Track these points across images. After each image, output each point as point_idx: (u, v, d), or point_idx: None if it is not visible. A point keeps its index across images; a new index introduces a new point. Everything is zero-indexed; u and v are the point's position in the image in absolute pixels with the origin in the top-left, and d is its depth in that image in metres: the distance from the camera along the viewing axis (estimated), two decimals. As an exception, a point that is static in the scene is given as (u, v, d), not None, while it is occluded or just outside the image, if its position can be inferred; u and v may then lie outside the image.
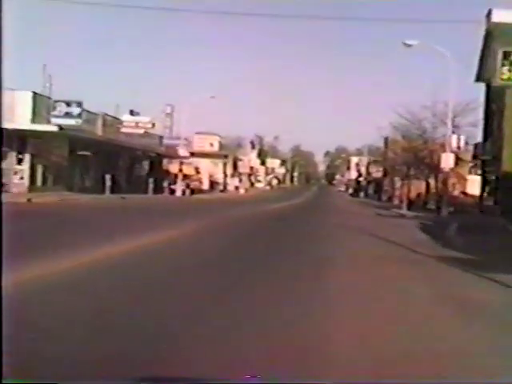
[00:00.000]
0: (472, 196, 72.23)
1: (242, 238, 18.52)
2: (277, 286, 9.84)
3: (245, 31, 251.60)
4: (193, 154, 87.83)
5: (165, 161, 69.31)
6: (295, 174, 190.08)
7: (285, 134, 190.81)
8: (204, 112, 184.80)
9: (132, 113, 54.72)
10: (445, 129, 59.77)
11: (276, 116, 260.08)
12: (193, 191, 71.38)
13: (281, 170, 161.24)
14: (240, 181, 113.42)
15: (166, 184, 59.13)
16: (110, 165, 49.97)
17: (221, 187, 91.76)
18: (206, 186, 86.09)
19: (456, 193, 71.91)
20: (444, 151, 60.68)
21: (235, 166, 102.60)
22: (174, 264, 12.12)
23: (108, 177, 44.88)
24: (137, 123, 53.08)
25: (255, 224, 24.84)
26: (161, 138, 64.47)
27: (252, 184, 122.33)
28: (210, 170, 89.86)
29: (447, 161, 41.68)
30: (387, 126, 71.94)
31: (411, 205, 60.32)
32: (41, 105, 39.96)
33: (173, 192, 61.74)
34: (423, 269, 13.36)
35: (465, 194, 77.64)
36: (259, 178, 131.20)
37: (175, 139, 64.28)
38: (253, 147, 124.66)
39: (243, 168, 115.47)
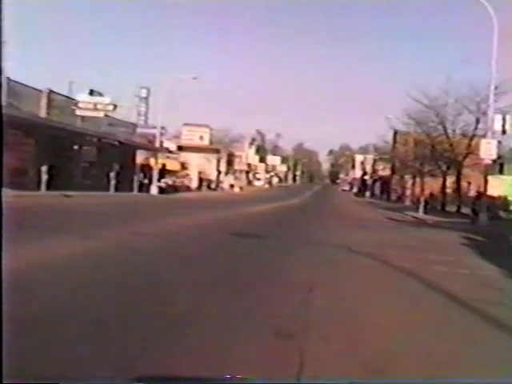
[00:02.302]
0: (492, 197, 62.23)
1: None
2: None
3: (242, 22, 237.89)
4: (180, 148, 77.08)
5: (141, 154, 58.06)
6: (298, 172, 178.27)
7: (287, 132, 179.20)
8: (195, 104, 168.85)
9: (92, 93, 43.62)
10: (469, 116, 48.64)
11: (277, 113, 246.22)
12: (176, 189, 60.74)
13: (282, 168, 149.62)
14: (236, 178, 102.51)
15: (136, 179, 47.95)
16: (59, 155, 38.85)
17: (213, 185, 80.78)
18: (195, 183, 75.03)
19: (472, 193, 60.78)
20: (470, 142, 49.56)
21: (229, 162, 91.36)
22: None
23: (44, 169, 33.82)
24: (95, 104, 41.94)
25: (201, 245, 13.60)
26: (134, 126, 53.43)
27: (250, 182, 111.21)
28: (201, 165, 78.61)
29: (489, 150, 30.38)
30: (396, 118, 60.72)
31: (426, 206, 48.79)
32: None
33: (148, 189, 50.86)
34: None
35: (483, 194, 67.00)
36: (258, 175, 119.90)
37: (151, 128, 53.11)
38: (251, 143, 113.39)
39: (240, 164, 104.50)
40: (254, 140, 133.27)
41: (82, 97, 42.22)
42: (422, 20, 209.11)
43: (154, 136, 52.05)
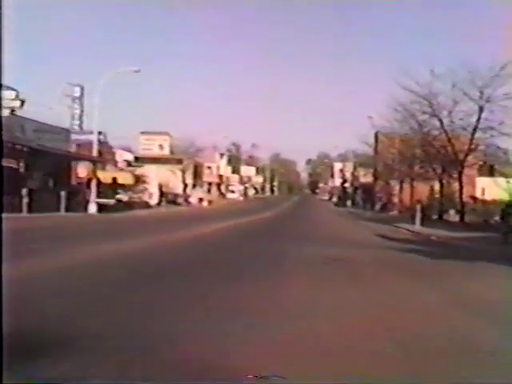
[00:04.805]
0: (485, 201, 53.74)
1: None
2: None
3: (218, 24, 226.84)
4: (137, 159, 67.04)
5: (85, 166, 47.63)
6: (275, 183, 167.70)
7: (263, 142, 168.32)
8: (159, 112, 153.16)
9: (-2, 88, 33.24)
10: (470, 105, 39.06)
11: (253, 123, 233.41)
12: (129, 205, 50.50)
13: (258, 179, 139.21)
14: (208, 191, 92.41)
15: (64, 196, 37.50)
16: None
17: (180, 199, 70.56)
18: (156, 198, 64.60)
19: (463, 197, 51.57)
20: (472, 136, 39.94)
21: (196, 174, 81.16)
22: None
23: None
24: (-4, 101, 31.52)
25: None
26: (68, 132, 43.23)
27: (223, 195, 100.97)
28: (164, 178, 68.29)
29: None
30: (380, 116, 51.18)
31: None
32: None
33: (85, 208, 40.62)
34: None
35: (474, 198, 58.46)
36: (232, 187, 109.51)
37: (88, 134, 42.90)
38: (222, 154, 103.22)
39: (210, 176, 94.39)
40: (229, 151, 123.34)
41: (-23, 92, 31.82)
42: (401, 14, 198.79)
43: (88, 142, 41.89)
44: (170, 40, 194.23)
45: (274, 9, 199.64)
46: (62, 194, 37.69)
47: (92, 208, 41.11)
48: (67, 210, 37.51)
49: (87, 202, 42.11)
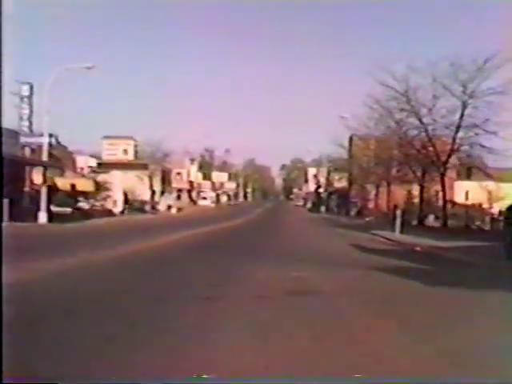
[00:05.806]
0: (466, 206, 51.46)
1: None
2: None
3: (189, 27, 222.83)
4: (100, 165, 63.09)
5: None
6: (249, 189, 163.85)
7: (237, 148, 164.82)
8: (121, 115, 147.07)
9: None
10: (452, 101, 35.86)
11: (227, 128, 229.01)
12: (87, 214, 46.43)
13: (231, 185, 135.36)
14: (179, 198, 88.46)
15: (6, 204, 33.49)
16: None
17: (148, 206, 66.47)
18: (120, 205, 60.42)
19: (441, 202, 48.73)
20: (455, 135, 36.62)
21: (165, 180, 77.20)
22: None
23: None
24: None
25: None
26: (16, 134, 39.25)
27: (194, 202, 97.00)
28: (131, 184, 64.19)
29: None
30: (354, 116, 48.01)
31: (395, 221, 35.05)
32: None
33: (35, 217, 36.62)
34: None
35: (453, 202, 56.12)
36: (204, 194, 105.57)
37: (38, 136, 38.94)
38: (193, 159, 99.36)
39: (180, 183, 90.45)
40: (202, 156, 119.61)
41: None
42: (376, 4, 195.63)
43: (39, 145, 37.99)
44: (136, 39, 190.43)
45: (244, 10, 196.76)
46: (5, 201, 33.70)
47: (42, 217, 37.13)
48: (12, 219, 33.59)
49: (39, 210, 38.22)
